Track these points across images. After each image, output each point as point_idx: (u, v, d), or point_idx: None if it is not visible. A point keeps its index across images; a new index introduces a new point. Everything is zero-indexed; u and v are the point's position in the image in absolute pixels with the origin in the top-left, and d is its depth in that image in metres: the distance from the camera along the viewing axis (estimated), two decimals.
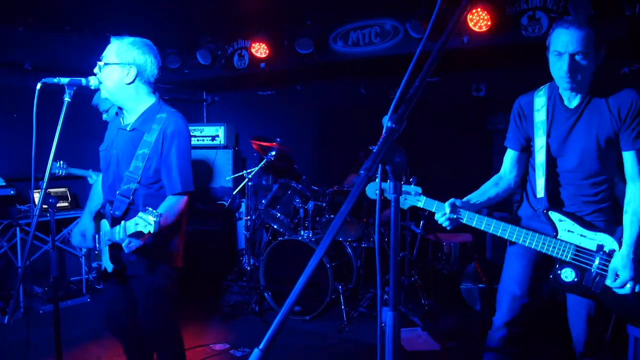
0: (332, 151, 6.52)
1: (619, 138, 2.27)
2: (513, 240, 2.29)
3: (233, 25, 5.75)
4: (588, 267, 2.26)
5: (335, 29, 5.38)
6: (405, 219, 5.06)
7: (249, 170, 5.26)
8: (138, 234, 2.25)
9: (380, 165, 0.99)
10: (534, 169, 2.44)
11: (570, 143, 2.33)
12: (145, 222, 2.15)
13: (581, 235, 2.28)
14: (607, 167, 2.34)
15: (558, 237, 2.30)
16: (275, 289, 4.83)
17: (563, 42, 2.13)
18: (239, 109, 7.41)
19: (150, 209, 2.18)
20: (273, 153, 5.03)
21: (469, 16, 4.36)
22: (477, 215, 2.30)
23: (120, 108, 2.63)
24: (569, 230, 2.29)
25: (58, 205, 4.69)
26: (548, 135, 2.34)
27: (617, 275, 2.21)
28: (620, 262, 2.19)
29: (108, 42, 2.55)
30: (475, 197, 2.47)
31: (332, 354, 4.03)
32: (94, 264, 2.69)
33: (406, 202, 2.34)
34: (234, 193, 5.55)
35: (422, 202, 2.33)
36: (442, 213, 2.30)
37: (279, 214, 5.03)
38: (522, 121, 2.46)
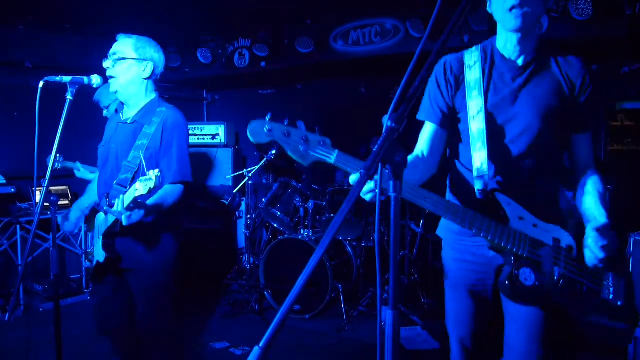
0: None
1: (570, 111, 1.87)
2: (457, 222, 1.72)
3: (233, 24, 5.76)
4: (549, 266, 1.77)
5: (336, 28, 5.38)
6: (405, 217, 5.06)
7: (249, 169, 5.26)
8: (138, 204, 2.21)
9: (380, 164, 1.00)
10: (466, 143, 1.90)
11: (517, 109, 1.85)
12: (145, 181, 2.08)
13: (534, 225, 1.80)
14: (560, 143, 1.93)
15: (510, 225, 1.77)
16: (275, 287, 4.83)
17: None
18: (239, 108, 7.42)
19: (148, 170, 2.13)
20: (273, 152, 5.03)
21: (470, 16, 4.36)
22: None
23: (121, 103, 2.66)
24: (520, 217, 1.78)
25: (59, 203, 4.69)
26: (486, 98, 1.85)
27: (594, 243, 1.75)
28: (599, 235, 1.73)
29: (108, 41, 2.60)
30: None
31: (332, 353, 4.04)
32: (86, 264, 2.69)
33: (308, 154, 1.67)
34: (234, 192, 5.55)
35: (333, 156, 1.66)
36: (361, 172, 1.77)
37: (279, 213, 5.04)
38: (447, 85, 1.93)
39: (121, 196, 2.27)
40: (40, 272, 5.31)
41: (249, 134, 1.66)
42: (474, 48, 1.92)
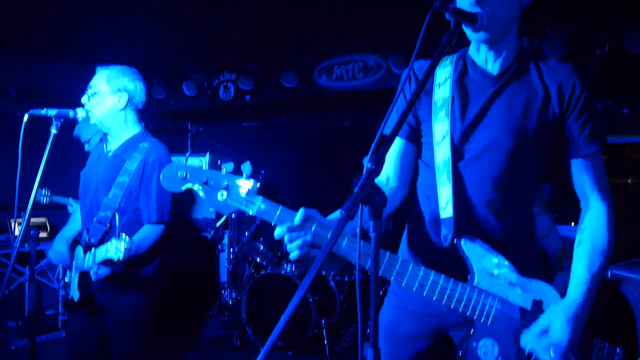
0: (316, 183, 6.55)
1: (561, 133, 1.54)
2: (404, 284, 1.44)
3: (219, 57, 5.85)
4: (518, 339, 1.44)
5: (320, 64, 5.50)
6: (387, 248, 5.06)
7: None
8: (108, 262, 2.23)
9: (360, 205, 1.02)
10: (432, 175, 1.60)
11: (483, 127, 1.54)
12: (115, 248, 2.15)
13: (509, 282, 1.45)
14: (531, 172, 1.59)
15: (475, 284, 1.46)
16: (257, 323, 4.76)
17: None
18: (223, 140, 7.45)
19: (123, 234, 2.17)
20: (257, 185, 5.02)
21: None
22: (347, 236, 1.44)
23: (105, 134, 2.65)
24: (491, 274, 1.46)
25: (39, 235, 4.61)
26: (454, 120, 1.56)
27: (545, 333, 1.42)
28: (561, 313, 1.41)
29: (94, 71, 2.60)
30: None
31: None
32: (62, 292, 2.65)
33: (228, 204, 1.45)
34: (217, 225, 5.52)
35: (255, 205, 1.44)
36: (287, 226, 1.42)
37: (262, 247, 5.01)
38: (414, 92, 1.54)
39: (93, 250, 2.28)
40: (14, 307, 5.15)
41: (161, 181, 1.50)
42: (448, 60, 1.64)
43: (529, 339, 1.42)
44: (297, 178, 6.82)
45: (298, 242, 1.40)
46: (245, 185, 1.44)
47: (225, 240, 6.00)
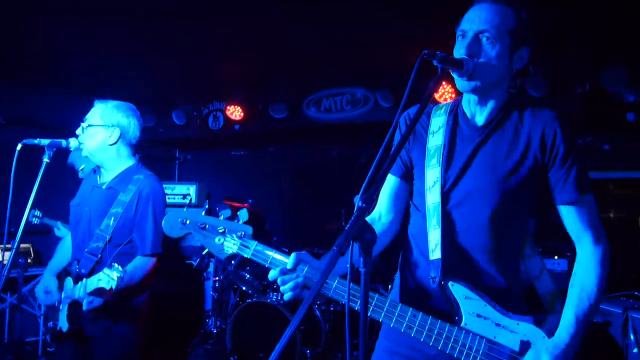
0: (304, 212, 6.59)
1: (547, 181, 1.59)
2: (392, 324, 1.50)
3: (209, 87, 5.93)
4: None
5: (309, 96, 5.62)
6: (375, 282, 5.08)
7: None
8: (99, 292, 2.24)
9: (351, 242, 1.07)
10: (422, 217, 1.66)
11: (469, 178, 1.61)
12: (108, 277, 2.16)
13: (497, 324, 1.50)
14: (517, 218, 1.63)
15: (462, 325, 1.50)
16: (242, 352, 4.71)
17: (469, 18, 1.55)
18: (211, 168, 7.49)
19: (115, 264, 2.19)
20: (252, 230, 5.04)
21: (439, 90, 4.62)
22: (337, 278, 1.53)
23: (98, 166, 2.67)
24: (478, 315, 1.50)
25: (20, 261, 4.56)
26: (445, 167, 1.63)
27: None
28: (546, 353, 1.46)
29: (85, 100, 2.66)
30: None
31: None
32: (50, 324, 2.62)
33: (225, 248, 1.59)
34: (203, 253, 5.50)
35: (250, 249, 1.57)
36: (279, 270, 1.53)
37: (248, 275, 5.00)
38: (411, 137, 1.74)
39: (84, 280, 2.29)
40: None
41: (163, 227, 1.65)
42: (442, 109, 1.73)
43: None
44: (284, 207, 6.85)
45: (291, 285, 1.51)
46: (241, 230, 1.58)
47: (211, 269, 5.97)
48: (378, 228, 1.75)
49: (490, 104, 1.61)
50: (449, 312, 1.53)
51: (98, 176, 2.69)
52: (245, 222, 1.59)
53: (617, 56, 4.19)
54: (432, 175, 1.63)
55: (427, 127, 1.70)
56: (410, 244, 1.73)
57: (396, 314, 1.49)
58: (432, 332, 1.49)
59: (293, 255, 1.53)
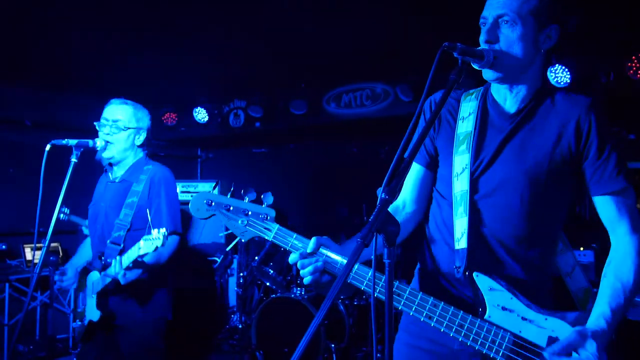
0: (325, 208, 6.61)
1: (581, 171, 1.52)
2: (411, 312, 1.46)
3: (230, 86, 5.98)
4: None
5: (328, 92, 5.62)
6: (397, 276, 5.08)
7: None
8: (137, 264, 2.32)
9: (375, 234, 1.08)
10: (448, 205, 1.61)
11: (498, 167, 1.56)
12: (149, 240, 2.23)
13: (523, 317, 1.43)
14: (549, 212, 1.56)
15: (486, 317, 1.45)
16: (267, 347, 4.76)
17: (489, 4, 1.51)
18: (233, 166, 7.55)
19: (154, 229, 2.27)
20: (274, 213, 5.09)
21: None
22: (357, 264, 1.49)
23: (110, 164, 2.75)
24: (504, 308, 1.44)
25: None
26: (475, 154, 1.58)
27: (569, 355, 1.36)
28: (584, 339, 1.35)
29: (105, 101, 2.72)
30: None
31: None
32: (75, 324, 2.68)
33: (248, 230, 1.61)
34: (227, 249, 5.56)
35: (272, 232, 1.58)
36: (299, 253, 1.53)
37: (271, 271, 5.04)
38: (436, 123, 1.69)
39: (118, 257, 2.35)
40: (25, 331, 5.19)
41: (190, 209, 1.67)
42: (473, 95, 1.67)
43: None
44: (305, 203, 6.88)
45: (310, 269, 1.50)
46: (264, 212, 1.59)
47: (235, 265, 6.04)
48: (401, 217, 1.71)
49: (522, 90, 1.56)
50: (473, 304, 1.48)
51: (110, 173, 2.78)
52: (269, 206, 1.61)
53: None
54: (461, 161, 1.58)
55: (456, 114, 1.65)
56: (433, 232, 1.68)
57: (416, 302, 1.45)
58: (454, 322, 1.43)
59: (313, 239, 1.52)
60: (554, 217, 1.58)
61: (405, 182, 1.65)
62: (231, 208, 1.61)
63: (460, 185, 1.56)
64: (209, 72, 5.39)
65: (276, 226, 1.58)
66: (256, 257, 5.20)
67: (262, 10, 3.75)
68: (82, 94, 5.87)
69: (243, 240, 1.40)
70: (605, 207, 1.51)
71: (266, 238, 1.56)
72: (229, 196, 1.63)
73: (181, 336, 4.98)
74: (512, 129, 1.55)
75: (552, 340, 1.39)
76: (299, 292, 4.83)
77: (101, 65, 4.96)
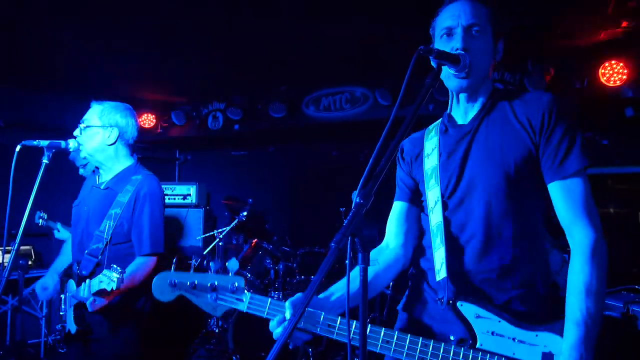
0: (304, 211, 6.59)
1: (540, 162, 1.48)
2: (403, 358, 1.42)
3: (209, 88, 5.93)
4: None
5: (308, 95, 5.62)
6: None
7: (219, 230, 5.26)
8: (102, 292, 2.25)
9: (349, 238, 1.07)
10: (428, 239, 1.62)
11: (466, 179, 1.54)
12: (108, 279, 2.17)
13: (514, 339, 1.40)
14: (526, 214, 1.51)
15: (478, 346, 1.42)
16: (244, 352, 4.71)
17: (453, 15, 1.53)
18: (211, 168, 7.48)
19: (114, 265, 2.20)
20: (245, 213, 5.07)
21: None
22: (339, 318, 1.50)
23: (97, 167, 2.68)
24: (493, 333, 1.41)
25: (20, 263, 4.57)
26: (443, 183, 1.59)
27: None
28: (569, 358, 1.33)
29: (84, 101, 2.67)
30: (339, 287, 1.60)
31: None
32: (58, 326, 2.62)
33: (219, 304, 1.55)
34: (204, 253, 5.50)
35: (245, 302, 1.52)
36: (277, 320, 1.48)
37: (249, 275, 5.00)
38: (408, 165, 1.74)
39: (87, 281, 2.30)
40: None
41: (153, 292, 1.59)
42: (432, 130, 1.70)
43: None
44: (285, 206, 6.86)
45: (279, 330, 1.47)
46: (231, 282, 1.52)
47: (212, 269, 5.97)
48: (386, 256, 1.70)
49: (480, 98, 1.60)
50: (463, 334, 1.44)
51: (97, 176, 2.70)
52: (236, 272, 1.57)
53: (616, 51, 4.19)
54: (433, 196, 1.59)
55: (422, 151, 1.69)
56: (419, 268, 1.68)
57: (406, 346, 1.42)
58: (447, 356, 1.39)
59: (287, 304, 1.47)
60: (532, 216, 1.52)
61: (388, 222, 1.75)
62: (196, 285, 1.54)
63: (435, 218, 1.57)
64: (188, 74, 5.34)
65: (249, 295, 1.53)
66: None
67: (242, 13, 3.73)
68: (56, 95, 5.77)
69: (218, 316, 1.32)
70: (558, 198, 1.45)
71: (240, 309, 1.51)
72: (192, 271, 1.55)
73: (158, 341, 4.90)
74: (473, 131, 1.57)
75: (546, 356, 1.37)
76: (276, 295, 4.80)
77: (79, 66, 4.88)
